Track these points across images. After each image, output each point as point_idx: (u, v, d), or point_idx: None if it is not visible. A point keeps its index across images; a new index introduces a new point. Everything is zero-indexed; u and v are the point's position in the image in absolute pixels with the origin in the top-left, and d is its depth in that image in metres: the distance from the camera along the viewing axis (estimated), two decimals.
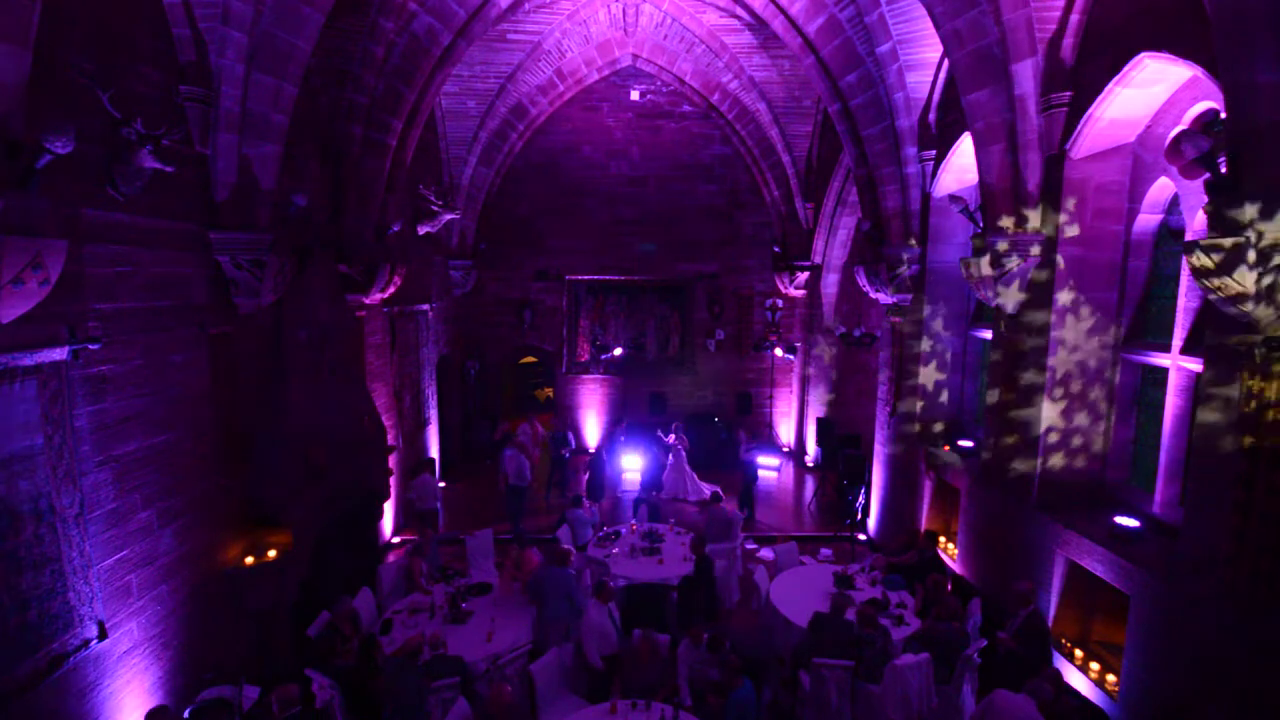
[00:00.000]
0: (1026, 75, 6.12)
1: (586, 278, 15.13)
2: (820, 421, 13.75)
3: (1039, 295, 6.65)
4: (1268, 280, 3.81)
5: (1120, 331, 6.48)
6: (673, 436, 12.70)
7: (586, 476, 11.48)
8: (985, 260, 6.79)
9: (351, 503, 8.03)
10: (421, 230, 10.54)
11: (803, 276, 14.06)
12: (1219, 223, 4.06)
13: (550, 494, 12.24)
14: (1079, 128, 6.01)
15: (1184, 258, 5.16)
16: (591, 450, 14.23)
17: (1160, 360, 6.01)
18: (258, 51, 5.84)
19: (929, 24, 6.99)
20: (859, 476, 10.91)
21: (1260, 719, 4.23)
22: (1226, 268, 3.91)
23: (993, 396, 7.43)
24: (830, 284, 13.87)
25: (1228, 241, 3.89)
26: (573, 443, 12.78)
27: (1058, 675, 5.10)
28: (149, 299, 5.30)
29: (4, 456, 4.00)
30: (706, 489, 11.93)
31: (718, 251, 15.11)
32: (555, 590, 6.68)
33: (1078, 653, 6.21)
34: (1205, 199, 4.19)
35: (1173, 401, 5.80)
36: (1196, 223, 5.48)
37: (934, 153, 8.55)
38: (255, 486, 6.57)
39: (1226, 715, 4.46)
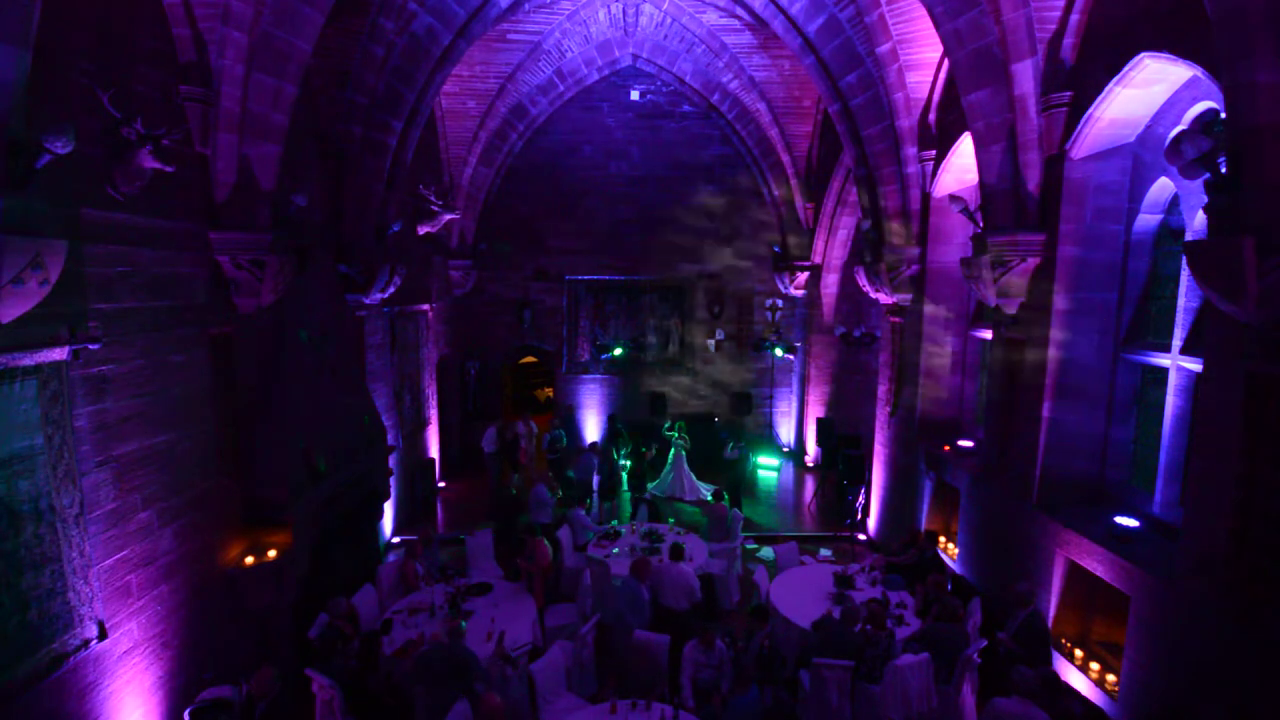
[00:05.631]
0: (1026, 75, 6.12)
1: (586, 278, 15.13)
2: (820, 421, 13.75)
3: (1039, 295, 6.65)
4: (1267, 280, 3.80)
5: (1120, 331, 6.48)
6: (675, 434, 12.71)
7: (599, 477, 11.53)
8: (985, 260, 6.79)
9: (351, 503, 8.03)
10: (421, 230, 10.54)
11: (803, 276, 14.07)
12: (1219, 223, 4.06)
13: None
14: (1079, 128, 6.01)
15: (1184, 258, 5.17)
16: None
17: (1160, 360, 6.01)
18: (258, 51, 5.83)
19: (929, 24, 6.99)
20: (859, 476, 10.91)
21: (1260, 719, 4.23)
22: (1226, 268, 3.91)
23: (993, 396, 7.43)
24: (830, 284, 13.88)
25: (1227, 242, 3.89)
26: (564, 440, 12.88)
27: (1055, 677, 5.10)
28: (149, 299, 5.30)
29: (4, 456, 4.01)
30: (705, 489, 11.94)
31: (718, 251, 15.11)
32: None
33: (1078, 653, 6.21)
34: (1205, 199, 4.19)
35: (1173, 401, 5.80)
36: (1196, 223, 5.48)
37: (934, 153, 8.55)
38: (255, 486, 6.57)
39: (1226, 715, 4.46)
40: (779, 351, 14.40)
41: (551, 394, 15.72)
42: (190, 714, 4.76)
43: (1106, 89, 5.68)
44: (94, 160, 4.69)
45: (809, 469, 14.16)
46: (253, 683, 5.05)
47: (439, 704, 5.29)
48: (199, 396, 5.93)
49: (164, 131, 4.93)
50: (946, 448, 8.69)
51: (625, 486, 12.03)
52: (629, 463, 12.50)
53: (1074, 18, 5.88)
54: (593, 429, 15.34)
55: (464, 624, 5.89)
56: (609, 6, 11.60)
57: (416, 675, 5.59)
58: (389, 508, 9.72)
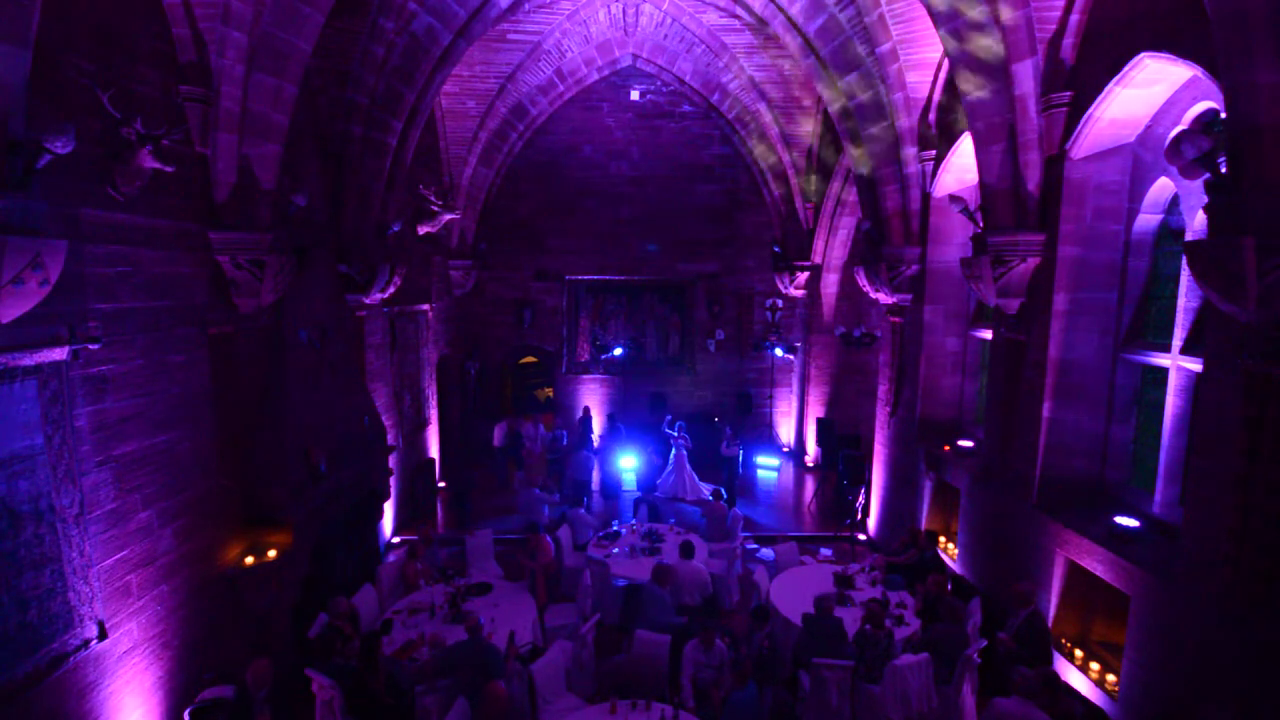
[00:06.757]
0: (1026, 75, 6.12)
1: (586, 278, 15.13)
2: (820, 421, 13.75)
3: (1039, 295, 6.65)
4: (1267, 280, 3.80)
5: (1120, 331, 6.48)
6: (676, 433, 12.71)
7: (600, 476, 11.59)
8: (985, 260, 6.79)
9: (351, 503, 8.03)
10: (421, 230, 10.54)
11: (803, 276, 14.06)
12: (1219, 223, 4.06)
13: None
14: (1079, 128, 6.01)
15: (1184, 258, 5.17)
16: (595, 448, 14.29)
17: (1160, 360, 6.00)
18: (258, 51, 5.83)
19: (929, 24, 6.99)
20: (859, 476, 10.91)
21: (1261, 719, 4.23)
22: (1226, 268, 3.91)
23: (993, 396, 7.43)
24: (830, 284, 13.88)
25: (1228, 242, 3.89)
26: (565, 441, 12.92)
27: (1055, 677, 5.09)
28: (149, 299, 5.30)
29: (4, 456, 4.01)
30: (706, 489, 11.93)
31: (718, 251, 15.11)
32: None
33: (1078, 653, 6.21)
34: (1205, 199, 4.19)
35: (1173, 401, 5.80)
36: (1196, 223, 5.48)
37: (934, 153, 8.55)
38: (255, 486, 6.57)
39: (1226, 715, 4.46)
40: (779, 351, 14.40)
41: (551, 394, 15.71)
42: (190, 714, 4.76)
43: (1106, 89, 5.68)
44: (94, 160, 4.69)
45: (809, 469, 14.16)
46: (249, 673, 5.07)
47: (464, 696, 5.33)
48: (199, 396, 5.93)
49: (164, 131, 4.93)
50: (946, 448, 8.69)
51: (634, 485, 12.08)
52: (636, 462, 12.52)
53: (1074, 18, 5.88)
54: (593, 429, 15.33)
55: (481, 619, 5.94)
56: (609, 6, 11.59)
57: (440, 671, 5.61)
58: (389, 508, 9.72)
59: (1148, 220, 6.27)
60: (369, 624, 6.85)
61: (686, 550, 7.81)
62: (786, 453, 15.14)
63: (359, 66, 7.85)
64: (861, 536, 10.62)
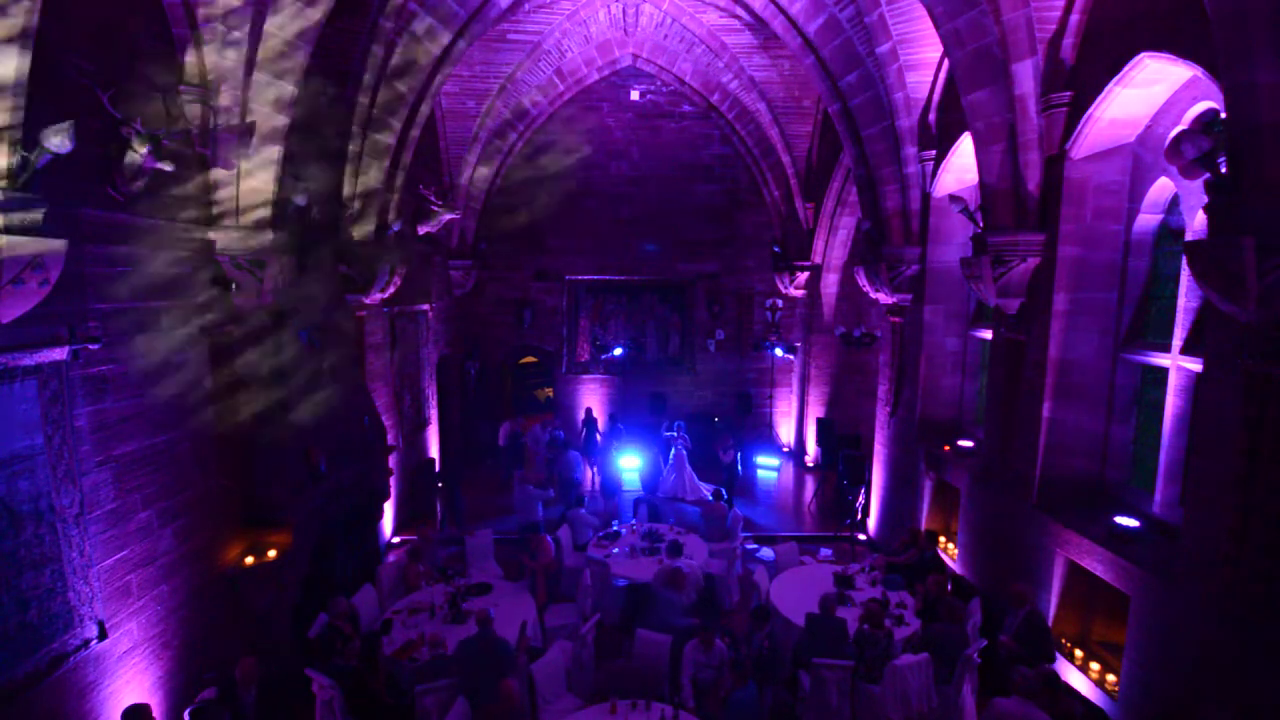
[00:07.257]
0: (1026, 75, 6.12)
1: (586, 278, 15.13)
2: (820, 421, 13.74)
3: (1039, 295, 6.65)
4: (1267, 280, 3.80)
5: (1120, 331, 6.48)
6: (675, 434, 12.71)
7: (599, 477, 11.61)
8: (985, 260, 6.79)
9: (351, 503, 8.03)
10: (421, 230, 10.53)
11: (803, 276, 14.06)
12: (1219, 223, 4.06)
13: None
14: (1079, 128, 6.01)
15: (1184, 258, 5.17)
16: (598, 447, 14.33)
17: (1160, 360, 6.00)
18: (258, 51, 5.83)
19: (929, 24, 6.98)
20: (859, 476, 10.91)
21: (1261, 719, 4.23)
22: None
23: (993, 396, 7.43)
24: (830, 284, 13.87)
25: (1228, 242, 3.89)
26: (562, 440, 12.98)
27: (1055, 676, 5.09)
28: (149, 299, 5.30)
29: (4, 456, 4.01)
30: (706, 489, 11.94)
31: (718, 251, 15.11)
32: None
33: (1078, 653, 6.21)
34: (1205, 199, 4.19)
35: (1173, 401, 5.80)
36: (1196, 223, 5.48)
37: (934, 153, 8.55)
38: (255, 486, 6.57)
39: (1226, 715, 4.46)
40: (779, 351, 14.40)
41: (551, 394, 15.72)
42: (190, 714, 4.76)
43: (1106, 89, 5.67)
44: (94, 160, 4.69)
45: (809, 469, 14.15)
46: (238, 671, 5.11)
47: (477, 691, 5.36)
48: (199, 396, 5.92)
49: (164, 131, 4.93)
50: (946, 448, 8.69)
51: (637, 485, 12.11)
52: (638, 462, 12.53)
53: (1074, 18, 5.88)
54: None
55: (491, 611, 5.98)
56: (609, 6, 11.59)
57: (449, 667, 5.61)
58: (389, 508, 9.72)
59: (1148, 220, 6.27)
60: (369, 624, 6.85)
61: (674, 550, 7.99)
62: (786, 453, 15.14)
63: (359, 66, 7.84)
64: (861, 536, 10.62)
